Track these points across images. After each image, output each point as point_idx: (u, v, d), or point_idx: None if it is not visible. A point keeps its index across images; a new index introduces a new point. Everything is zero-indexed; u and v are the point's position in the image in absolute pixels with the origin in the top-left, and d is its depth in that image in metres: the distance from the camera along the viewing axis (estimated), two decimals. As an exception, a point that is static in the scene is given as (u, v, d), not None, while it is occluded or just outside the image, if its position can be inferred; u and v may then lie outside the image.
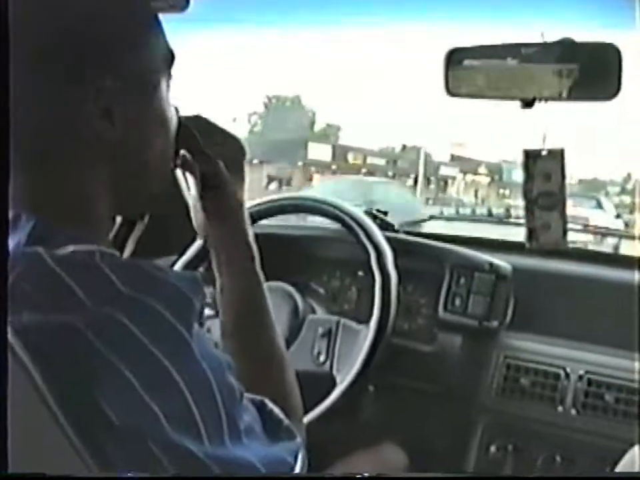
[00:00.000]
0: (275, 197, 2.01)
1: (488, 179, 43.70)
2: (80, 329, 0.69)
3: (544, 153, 1.37)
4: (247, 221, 1.13)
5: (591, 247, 2.69)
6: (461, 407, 1.97)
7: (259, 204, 1.96)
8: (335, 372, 1.82)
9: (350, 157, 35.24)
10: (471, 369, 1.95)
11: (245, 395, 0.85)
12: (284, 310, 1.91)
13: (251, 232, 1.13)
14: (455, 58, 1.45)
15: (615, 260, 2.10)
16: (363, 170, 34.07)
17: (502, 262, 1.95)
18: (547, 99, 1.34)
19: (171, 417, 0.70)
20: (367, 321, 1.79)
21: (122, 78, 0.83)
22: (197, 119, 1.06)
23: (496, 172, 43.73)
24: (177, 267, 1.87)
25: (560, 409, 1.82)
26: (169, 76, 0.93)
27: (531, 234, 1.42)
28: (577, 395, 1.81)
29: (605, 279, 1.98)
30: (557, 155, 1.38)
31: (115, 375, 0.69)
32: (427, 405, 2.00)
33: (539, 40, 1.41)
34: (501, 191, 43.72)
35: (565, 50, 1.36)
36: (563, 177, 1.39)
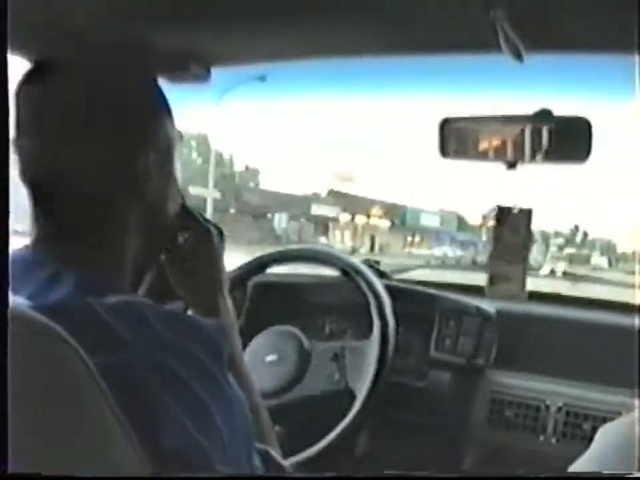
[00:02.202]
0: (282, 248, 2.20)
1: (387, 223, 34.82)
2: (134, 368, 0.80)
3: (515, 210, 1.56)
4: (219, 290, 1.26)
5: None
6: (451, 438, 2.14)
7: (267, 254, 2.15)
8: (351, 386, 1.96)
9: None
10: (459, 403, 2.13)
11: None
12: (290, 348, 2.07)
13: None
14: (448, 125, 1.65)
15: (589, 303, 2.30)
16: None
17: (487, 306, 2.16)
18: (527, 162, 1.54)
19: (210, 445, 0.80)
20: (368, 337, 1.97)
21: (160, 149, 1.01)
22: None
23: (396, 215, 34.77)
24: None
25: (541, 438, 1.99)
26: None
27: (491, 282, 1.60)
28: (557, 425, 1.98)
29: (578, 320, 2.17)
30: (526, 214, 1.57)
31: (164, 407, 0.79)
32: (419, 437, 2.17)
33: (521, 112, 1.61)
34: (409, 238, 35.72)
35: (544, 120, 1.56)
36: (529, 233, 1.58)
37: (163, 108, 1.05)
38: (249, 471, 0.89)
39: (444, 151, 1.63)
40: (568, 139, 1.51)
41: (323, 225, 33.00)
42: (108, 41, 1.21)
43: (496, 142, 1.58)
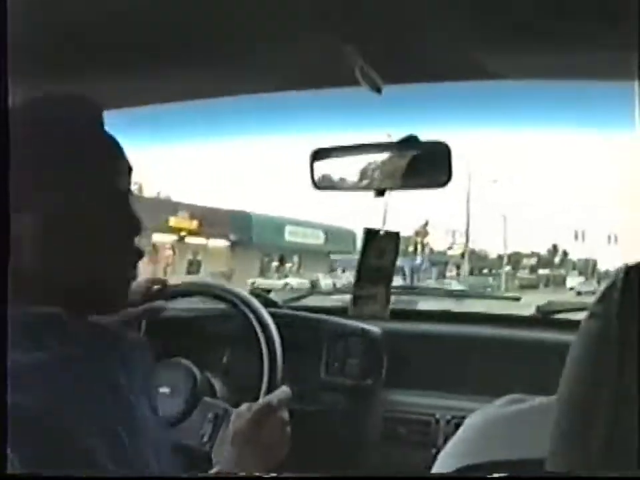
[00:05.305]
0: (171, 283, 2.21)
1: (223, 242, 27.76)
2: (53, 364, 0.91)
3: (382, 233, 1.61)
4: None
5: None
6: (346, 460, 2.17)
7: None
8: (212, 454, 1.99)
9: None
10: (353, 424, 2.18)
11: None
12: (184, 386, 2.07)
13: None
14: (318, 156, 1.68)
15: (476, 318, 2.38)
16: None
17: (372, 327, 2.22)
18: (393, 189, 1.59)
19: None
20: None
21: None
22: None
23: (233, 228, 26.90)
24: None
25: (433, 451, 2.03)
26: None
27: (354, 303, 1.63)
28: (447, 438, 2.02)
29: (463, 335, 2.26)
30: (393, 236, 1.62)
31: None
32: (315, 460, 2.19)
33: (388, 139, 1.67)
34: (274, 263, 28.85)
35: (409, 146, 1.61)
36: (396, 255, 1.62)
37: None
38: None
39: (315, 182, 1.66)
40: (430, 164, 1.56)
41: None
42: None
43: (363, 171, 1.62)
